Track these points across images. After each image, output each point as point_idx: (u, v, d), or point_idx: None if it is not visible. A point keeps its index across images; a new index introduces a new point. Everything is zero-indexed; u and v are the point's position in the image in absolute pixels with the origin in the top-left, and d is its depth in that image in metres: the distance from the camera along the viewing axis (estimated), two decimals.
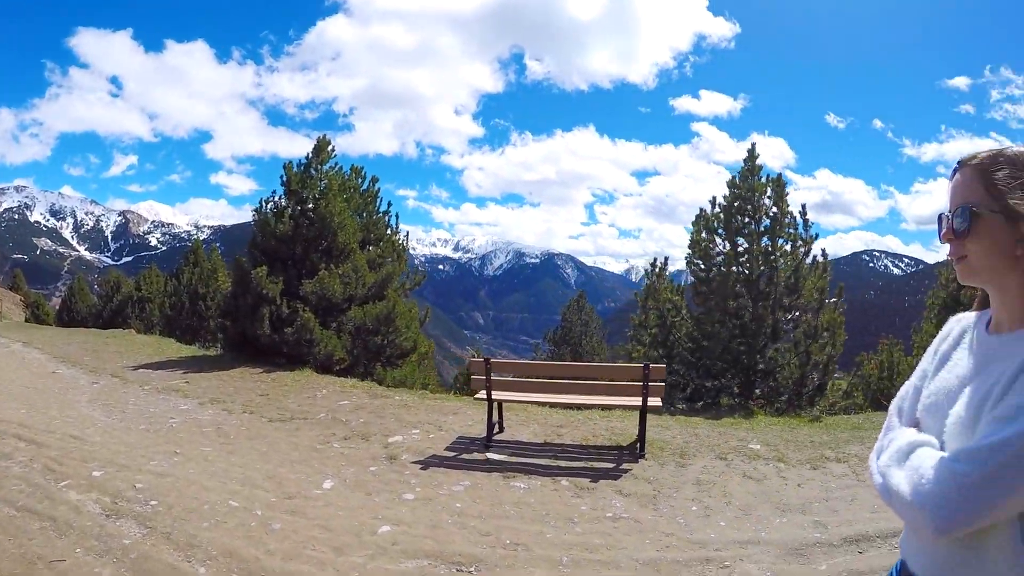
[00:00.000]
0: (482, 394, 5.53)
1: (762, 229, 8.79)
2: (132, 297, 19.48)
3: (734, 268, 8.59)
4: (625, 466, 5.02)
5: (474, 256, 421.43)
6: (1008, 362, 0.88)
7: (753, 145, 9.28)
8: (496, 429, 5.86)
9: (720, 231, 9.17)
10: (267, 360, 8.77)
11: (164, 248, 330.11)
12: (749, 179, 8.96)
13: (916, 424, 1.06)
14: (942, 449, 0.94)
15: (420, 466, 4.90)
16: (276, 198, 9.39)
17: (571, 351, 19.12)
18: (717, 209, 9.46)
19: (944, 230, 0.98)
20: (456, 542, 3.54)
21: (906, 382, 1.15)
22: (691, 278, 9.50)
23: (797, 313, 8.27)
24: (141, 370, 8.72)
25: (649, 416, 6.04)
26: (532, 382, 5.73)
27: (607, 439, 5.77)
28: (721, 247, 9.14)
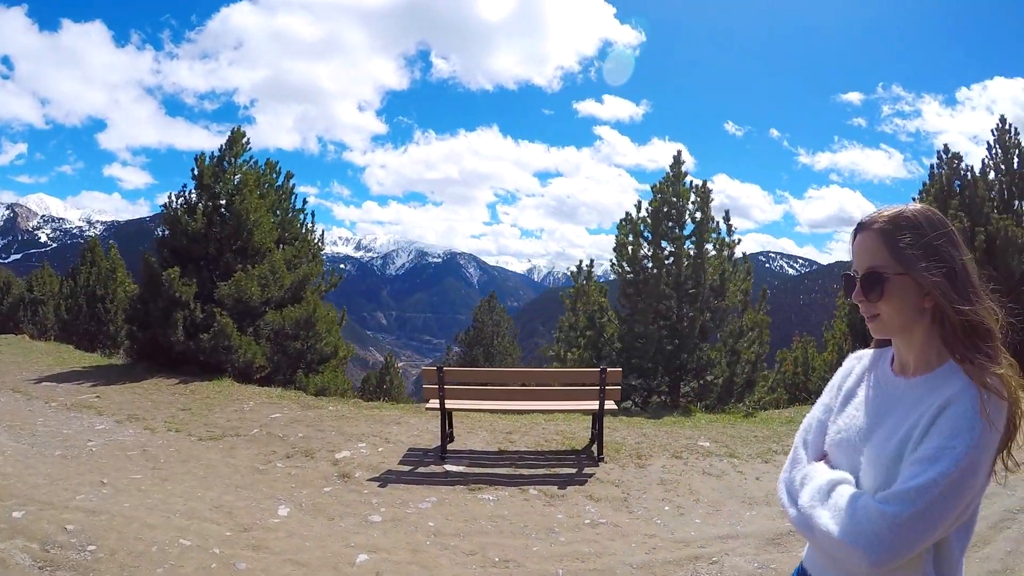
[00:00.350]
0: (432, 403, 5.31)
1: (687, 233, 9.24)
2: (24, 299, 16.82)
3: (663, 271, 8.93)
4: (587, 470, 5.05)
5: (376, 255, 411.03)
6: (921, 406, 0.96)
7: (679, 152, 9.75)
8: (447, 434, 5.65)
9: (647, 235, 9.51)
10: (181, 369, 7.86)
11: (55, 245, 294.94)
12: (675, 185, 9.38)
13: (823, 457, 1.12)
14: (858, 484, 1.01)
15: (378, 484, 4.61)
16: (187, 193, 8.43)
17: (483, 352, 19.04)
18: (643, 213, 9.81)
19: (855, 292, 1.03)
20: (443, 565, 3.35)
21: (808, 415, 1.21)
22: (622, 278, 9.76)
23: (723, 314, 8.77)
24: (44, 383, 7.57)
25: (586, 418, 6.13)
26: (486, 389, 5.57)
27: (560, 443, 5.77)
28: (647, 251, 9.49)
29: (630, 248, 9.93)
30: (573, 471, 5.06)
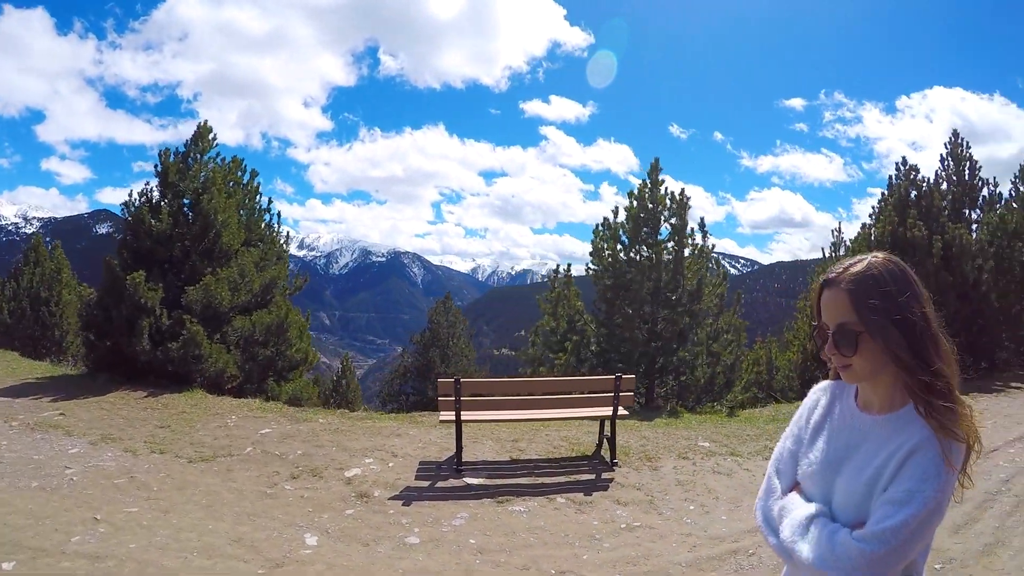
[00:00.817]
0: (446, 415, 5.12)
1: (664, 238, 9.43)
2: None
3: (644, 276, 9.08)
4: (605, 475, 5.04)
5: (319, 254, 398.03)
6: (889, 445, 1.04)
7: (656, 159, 9.92)
8: (458, 448, 5.47)
9: (624, 240, 9.65)
10: (146, 381, 7.17)
11: None
12: (653, 192, 9.57)
13: (795, 486, 1.20)
14: (832, 514, 1.10)
15: (401, 502, 4.38)
16: (149, 190, 7.68)
17: (440, 353, 18.69)
18: (620, 218, 9.95)
19: (828, 346, 1.09)
20: None
21: (779, 444, 1.29)
22: (601, 282, 9.82)
23: (700, 317, 9.02)
24: None
25: (589, 423, 6.13)
26: (502, 400, 5.43)
27: (568, 450, 5.73)
28: (626, 255, 9.62)
29: (608, 253, 10.02)
30: (592, 477, 5.02)
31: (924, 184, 10.05)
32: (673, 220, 9.34)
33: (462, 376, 5.18)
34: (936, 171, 11.05)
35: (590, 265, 10.60)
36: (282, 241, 8.91)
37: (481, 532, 3.92)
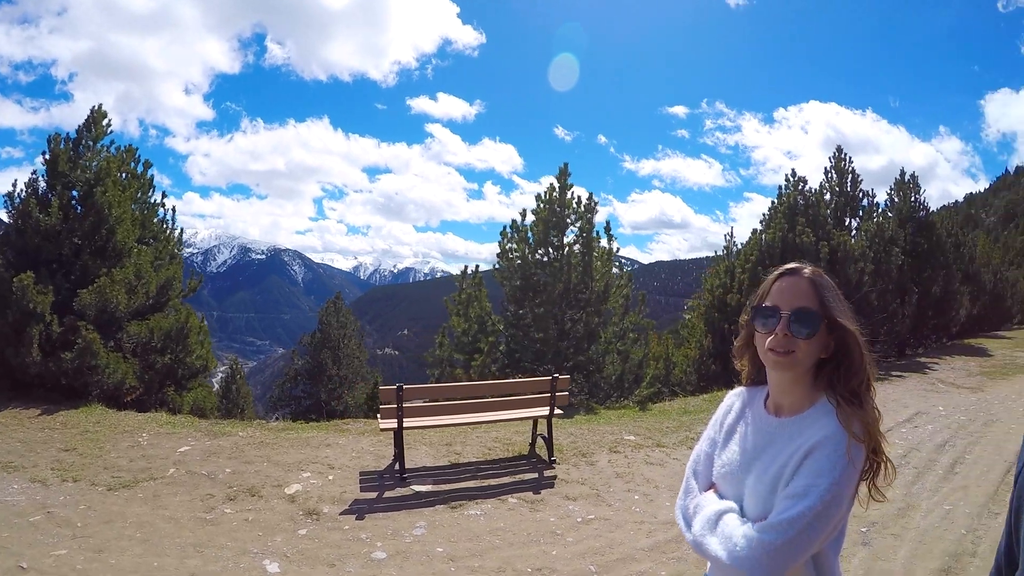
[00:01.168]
0: (387, 423, 5.05)
1: (570, 241, 9.89)
2: None
3: (555, 278, 9.45)
4: (547, 473, 5.27)
5: (196, 251, 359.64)
6: (792, 445, 1.12)
7: (566, 164, 10.32)
8: (393, 456, 5.40)
9: (531, 242, 9.97)
10: (34, 395, 6.06)
11: None
12: (562, 196, 9.98)
13: (712, 487, 1.28)
14: (742, 512, 1.18)
15: (354, 516, 4.26)
16: (35, 180, 6.46)
17: (331, 355, 17.87)
18: (529, 221, 10.27)
19: (781, 325, 1.13)
20: None
21: (697, 446, 1.37)
22: (510, 283, 10.04)
23: (607, 317, 9.60)
24: None
25: (518, 424, 6.34)
26: (442, 405, 5.44)
27: (504, 451, 5.90)
28: (533, 257, 9.95)
29: (516, 255, 10.29)
30: (535, 475, 5.22)
31: (811, 194, 11.53)
32: (579, 224, 9.86)
33: (404, 384, 5.10)
34: (820, 183, 12.67)
35: (496, 266, 10.82)
36: (176, 238, 8.00)
37: (445, 539, 3.94)
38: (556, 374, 5.60)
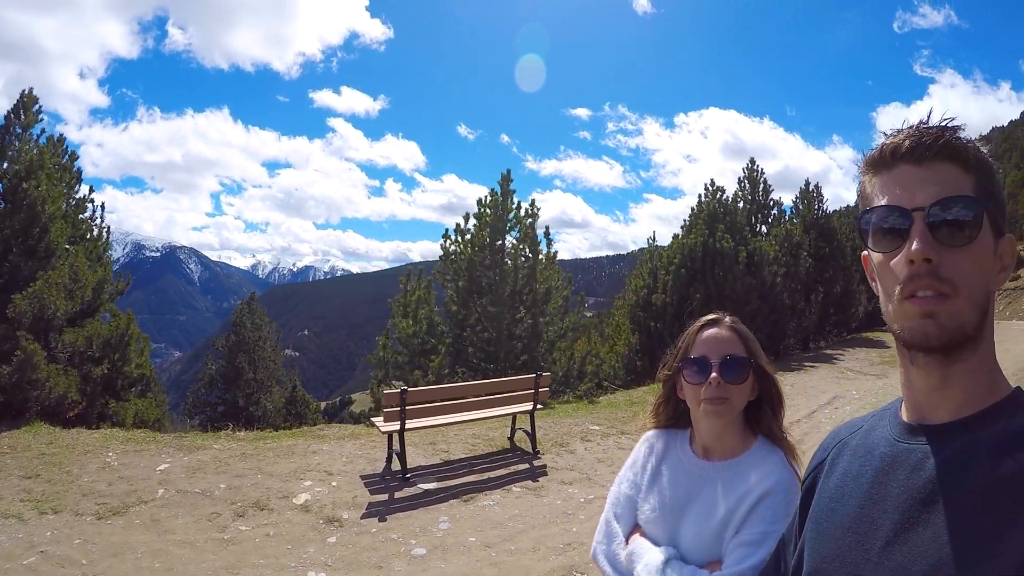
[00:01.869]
0: (390, 426, 5.10)
1: (514, 244, 10.22)
2: None
3: (504, 280, 9.72)
4: (536, 463, 5.61)
5: None
6: (737, 490, 1.10)
7: (508, 171, 10.61)
8: (387, 457, 5.43)
9: (475, 244, 10.18)
10: None
11: None
12: (505, 202, 10.27)
13: (635, 529, 1.24)
14: (682, 556, 1.15)
15: (376, 519, 4.30)
16: None
17: (248, 359, 16.77)
18: (472, 223, 10.45)
19: (714, 374, 1.14)
20: (532, 564, 3.55)
21: (614, 488, 1.33)
22: (455, 284, 10.15)
23: (550, 316, 10.04)
24: None
25: (489, 421, 6.59)
26: (440, 406, 5.52)
27: (487, 446, 6.13)
28: (480, 259, 10.16)
29: (463, 257, 10.42)
30: (527, 466, 5.51)
31: (728, 202, 12.73)
32: (520, 229, 10.23)
33: (409, 387, 5.15)
34: (735, 192, 13.95)
35: (438, 269, 10.89)
36: (105, 237, 7.17)
37: (472, 530, 4.12)
38: (539, 373, 5.94)
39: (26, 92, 6.10)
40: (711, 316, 1.24)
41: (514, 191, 10.39)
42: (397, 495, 4.74)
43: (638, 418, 5.46)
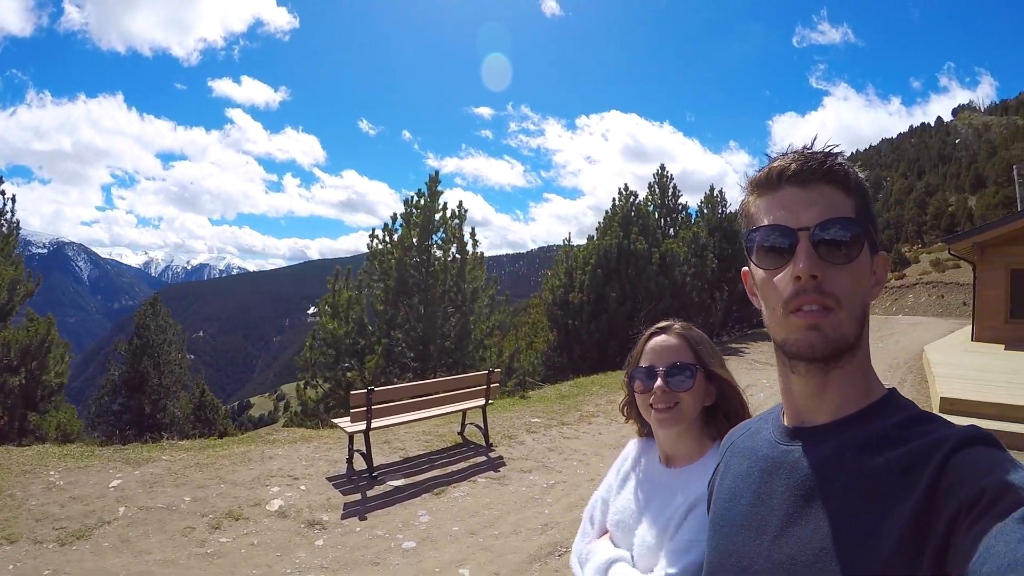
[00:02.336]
0: (356, 426, 5.17)
1: (442, 244, 10.37)
2: None
3: (436, 280, 9.85)
4: (492, 455, 5.93)
5: None
6: (678, 497, 1.13)
7: (436, 172, 10.70)
8: (348, 457, 5.49)
9: (412, 244, 10.20)
10: None
11: None
12: (433, 203, 10.37)
13: (606, 532, 1.28)
14: (632, 559, 1.19)
15: (356, 518, 4.39)
16: None
17: (153, 363, 15.31)
18: (399, 224, 10.45)
19: (659, 382, 1.15)
20: (518, 545, 3.88)
21: (596, 491, 1.37)
22: (385, 284, 10.09)
23: (477, 315, 10.31)
24: None
25: (437, 419, 6.79)
26: (400, 404, 5.62)
27: (440, 442, 6.36)
28: (409, 259, 10.19)
29: (392, 258, 10.39)
30: (484, 458, 5.81)
31: (642, 206, 13.63)
32: (446, 230, 10.41)
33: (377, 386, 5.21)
34: (645, 196, 14.90)
35: (364, 269, 10.78)
36: (14, 233, 6.28)
37: (452, 520, 4.36)
38: (490, 370, 6.25)
39: None
40: (661, 324, 1.24)
41: (441, 192, 10.55)
42: (369, 493, 4.82)
43: (573, 411, 6.03)
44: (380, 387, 5.38)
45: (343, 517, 4.34)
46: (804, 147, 0.70)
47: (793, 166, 0.67)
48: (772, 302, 0.69)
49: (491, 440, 6.24)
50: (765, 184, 0.70)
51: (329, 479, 5.07)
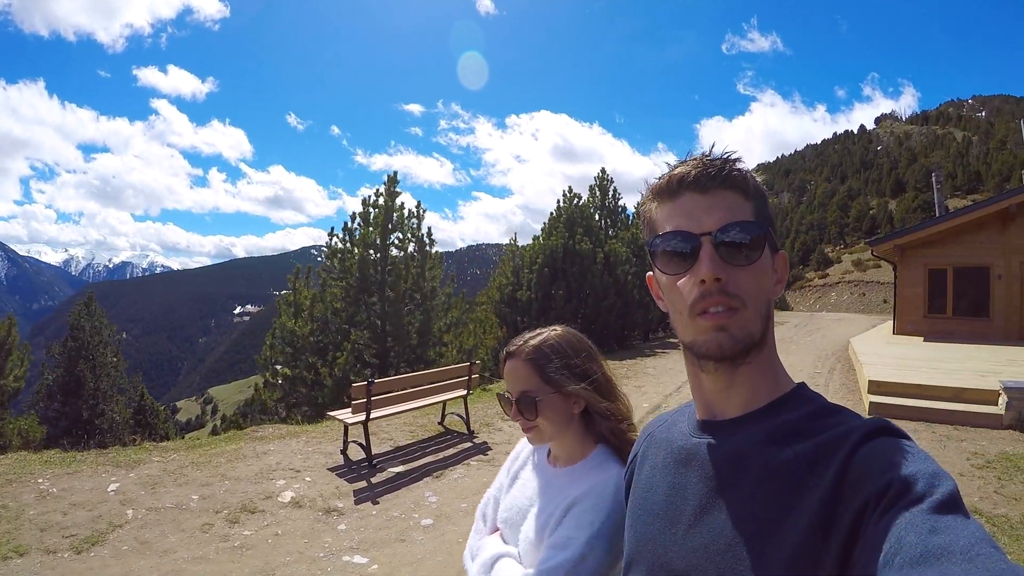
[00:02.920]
0: (356, 417, 5.33)
1: (401, 243, 10.42)
2: None
3: (400, 278, 9.89)
4: (477, 441, 6.24)
5: None
6: (561, 495, 1.13)
7: (395, 172, 10.69)
8: (343, 448, 5.63)
9: (373, 243, 10.17)
10: None
11: None
12: (391, 202, 10.38)
13: (496, 530, 1.29)
14: (520, 556, 1.18)
15: (369, 503, 4.56)
16: None
17: (89, 366, 14.04)
18: (357, 223, 10.40)
19: (513, 412, 1.15)
20: None
21: (489, 489, 1.38)
22: (346, 282, 10.01)
23: (435, 312, 10.46)
24: None
25: (415, 412, 7.01)
26: (396, 396, 5.78)
27: (424, 431, 6.59)
28: (370, 258, 10.17)
29: (355, 255, 10.31)
30: (470, 444, 6.10)
31: (585, 207, 14.13)
32: (407, 230, 10.49)
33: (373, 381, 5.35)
34: (587, 198, 15.42)
35: (324, 266, 10.64)
36: None
37: (458, 498, 4.62)
38: (472, 361, 6.55)
39: None
40: (512, 346, 1.20)
41: (400, 192, 10.60)
42: (375, 480, 4.98)
43: None
44: (380, 380, 5.52)
45: (357, 503, 4.48)
46: (703, 154, 0.70)
47: (693, 172, 0.68)
48: (678, 305, 0.68)
49: (472, 428, 6.55)
50: (666, 191, 0.70)
51: (331, 469, 5.16)
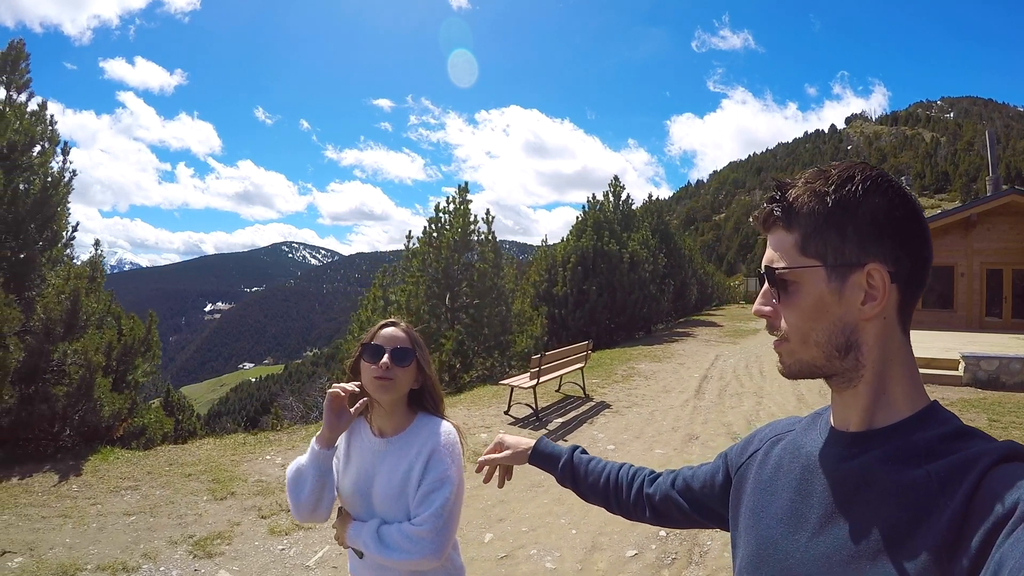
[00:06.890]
0: (529, 382, 7.21)
1: (476, 245, 12.21)
2: None
3: (484, 279, 11.67)
4: (595, 402, 8.14)
5: None
6: (409, 454, 1.40)
7: (466, 184, 12.43)
8: (507, 409, 7.50)
9: (454, 243, 11.91)
10: None
11: None
12: (464, 208, 12.15)
13: (343, 511, 1.49)
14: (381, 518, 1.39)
15: (562, 441, 6.49)
16: None
17: None
18: (443, 222, 12.11)
19: (386, 358, 1.41)
20: (668, 439, 6.30)
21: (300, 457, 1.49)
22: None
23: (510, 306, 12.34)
24: None
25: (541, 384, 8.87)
26: (554, 364, 7.64)
27: (552, 397, 8.40)
28: (454, 259, 11.92)
29: (436, 258, 11.96)
30: (592, 403, 8.01)
31: (609, 212, 16.14)
32: (484, 233, 12.23)
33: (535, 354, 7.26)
34: (601, 203, 17.03)
35: (403, 266, 12.21)
36: None
37: (619, 433, 6.47)
38: (588, 342, 8.56)
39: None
40: (391, 319, 1.50)
41: (471, 200, 12.30)
42: (550, 427, 6.90)
43: (611, 375, 8.87)
44: (548, 352, 7.40)
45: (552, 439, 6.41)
46: (797, 177, 0.75)
47: (757, 211, 0.75)
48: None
49: (588, 393, 8.55)
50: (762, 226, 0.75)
51: (511, 424, 7.04)
